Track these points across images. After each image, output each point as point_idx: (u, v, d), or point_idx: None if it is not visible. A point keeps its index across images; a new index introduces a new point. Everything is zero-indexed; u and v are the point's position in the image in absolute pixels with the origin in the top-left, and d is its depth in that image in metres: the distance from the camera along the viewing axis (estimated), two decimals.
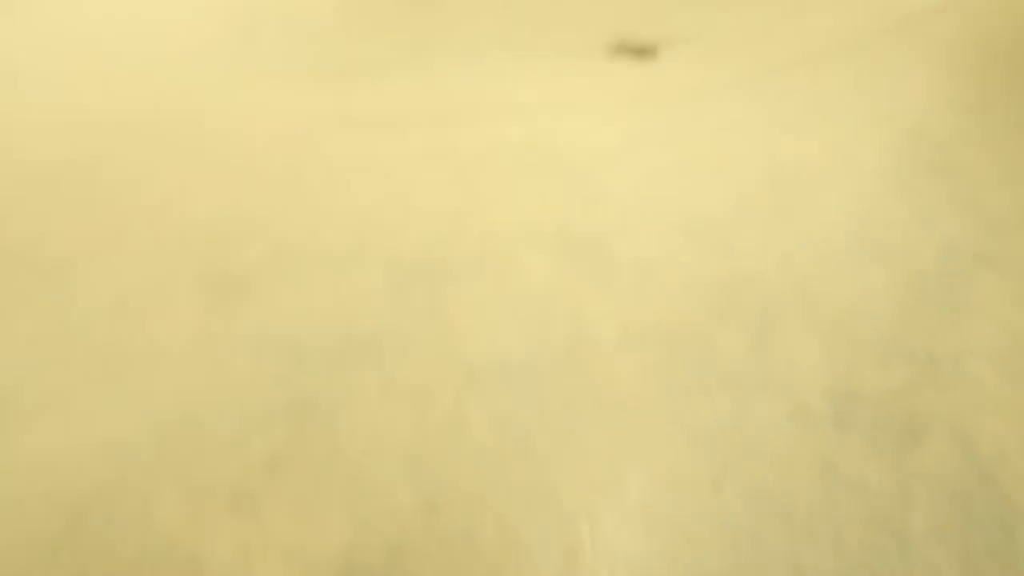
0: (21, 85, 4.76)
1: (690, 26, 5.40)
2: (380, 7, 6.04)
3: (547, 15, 5.72)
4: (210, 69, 4.86)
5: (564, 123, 4.03)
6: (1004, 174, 3.39)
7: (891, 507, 1.91)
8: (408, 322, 2.62)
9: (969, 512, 1.89)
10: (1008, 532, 1.84)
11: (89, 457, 2.10)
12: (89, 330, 2.61)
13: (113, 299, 2.77)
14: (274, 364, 2.44)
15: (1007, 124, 3.83)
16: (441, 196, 3.36)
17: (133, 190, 3.48)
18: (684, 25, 5.42)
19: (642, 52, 4.96)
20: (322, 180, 3.53)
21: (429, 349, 2.49)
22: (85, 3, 6.34)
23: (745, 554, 1.81)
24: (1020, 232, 3.01)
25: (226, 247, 3.04)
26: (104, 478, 2.04)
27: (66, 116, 4.29)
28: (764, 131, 3.86)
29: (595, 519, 1.91)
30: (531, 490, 1.99)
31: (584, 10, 5.79)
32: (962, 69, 4.52)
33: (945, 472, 2.00)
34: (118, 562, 1.82)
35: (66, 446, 2.14)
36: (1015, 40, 4.94)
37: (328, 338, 2.55)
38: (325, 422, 2.21)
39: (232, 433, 2.17)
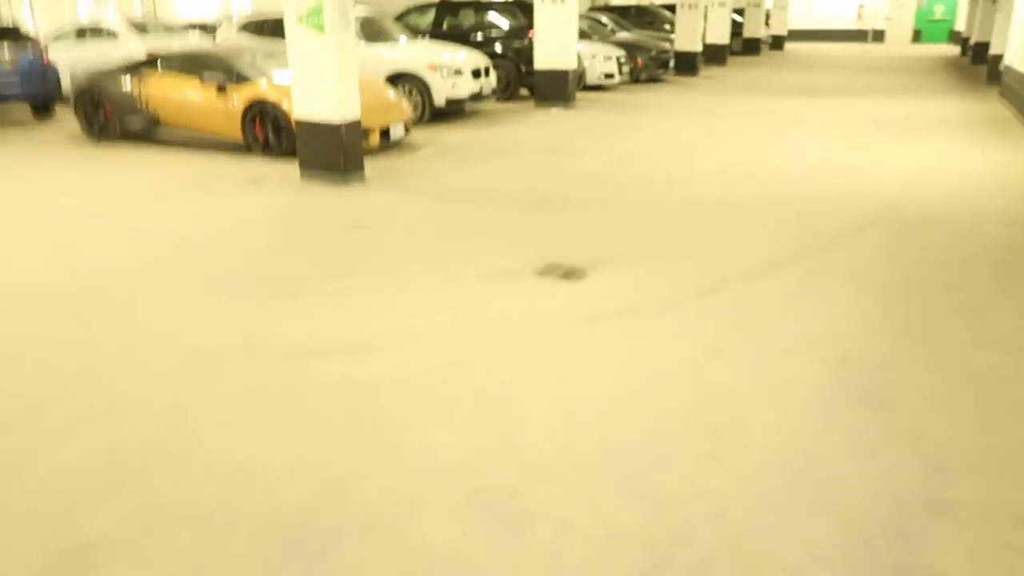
0: None
1: (620, 247, 5.42)
2: (312, 230, 6.01)
3: (479, 238, 5.72)
4: (122, 293, 4.63)
5: (484, 348, 3.81)
6: (941, 406, 3.20)
7: None
8: None
9: None
10: None
11: None
12: None
13: None
14: None
15: (937, 350, 3.72)
16: (338, 441, 3.02)
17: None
18: (614, 246, 5.44)
19: (570, 274, 4.90)
20: (208, 421, 3.18)
21: None
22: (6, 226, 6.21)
23: None
24: (970, 474, 2.75)
25: (77, 510, 2.61)
26: None
27: None
28: (691, 357, 3.68)
29: None
30: None
31: (517, 233, 5.82)
32: (887, 288, 4.51)
33: None
34: None
35: None
36: (937, 258, 5.02)
37: None
38: None
39: None
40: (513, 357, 3.73)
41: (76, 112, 9.57)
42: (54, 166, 8.48)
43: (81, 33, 13.61)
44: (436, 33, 12.96)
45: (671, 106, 12.57)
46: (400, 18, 13.45)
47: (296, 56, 6.99)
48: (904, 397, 3.26)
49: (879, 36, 30.60)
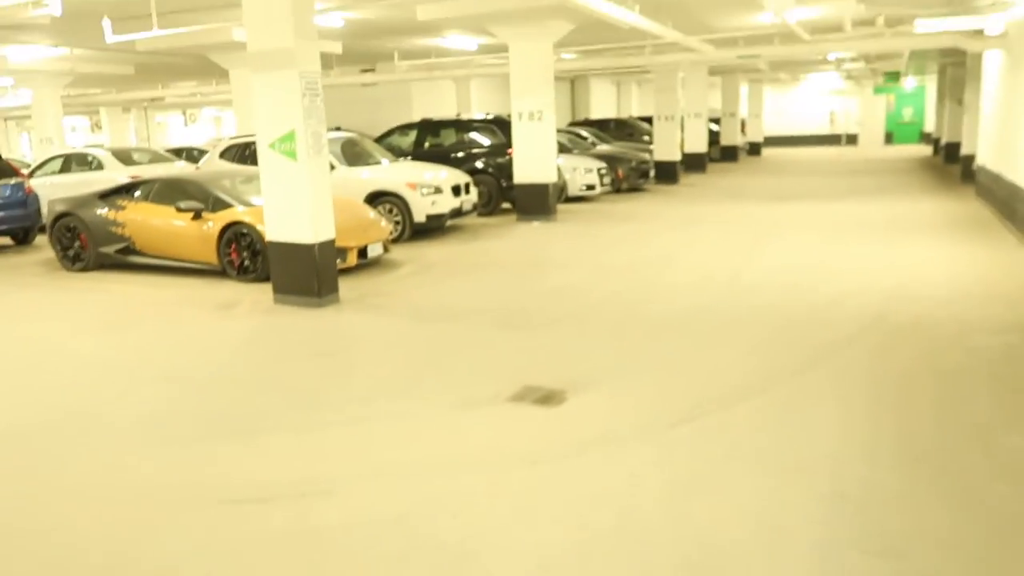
0: None
1: (599, 367, 5.18)
2: (279, 358, 5.77)
3: (453, 361, 5.49)
4: (71, 431, 4.33)
5: (450, 489, 3.50)
6: (957, 551, 2.88)
7: None
8: None
9: None
10: None
11: None
12: None
13: None
14: None
15: (944, 481, 3.42)
16: None
17: None
18: (593, 366, 5.20)
19: (548, 399, 4.64)
20: None
21: None
22: None
23: None
24: None
25: None
26: None
27: None
28: (671, 493, 3.37)
29: None
30: None
31: (493, 354, 5.59)
32: (882, 409, 4.25)
33: None
34: None
35: None
36: (931, 373, 4.78)
37: None
38: None
39: None
40: (480, 500, 3.42)
41: (51, 240, 9.50)
42: (22, 295, 8.32)
43: (67, 162, 13.77)
44: (418, 152, 13.16)
45: (652, 215, 12.64)
46: (382, 139, 13.70)
47: (269, 181, 6.95)
48: (913, 541, 2.93)
49: (852, 139, 31.55)
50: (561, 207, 13.09)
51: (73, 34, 11.42)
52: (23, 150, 34.21)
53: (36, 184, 12.68)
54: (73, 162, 13.74)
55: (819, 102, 32.03)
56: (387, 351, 5.79)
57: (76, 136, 35.77)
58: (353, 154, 11.13)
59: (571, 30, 11.33)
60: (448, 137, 13.58)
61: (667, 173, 17.62)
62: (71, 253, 9.34)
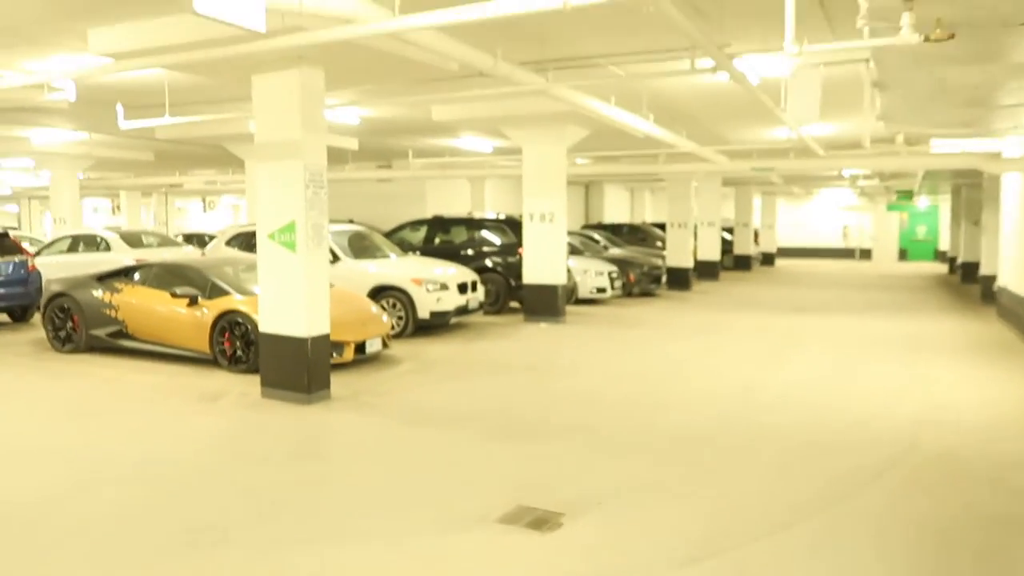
0: None
1: (603, 486, 4.72)
2: (253, 459, 5.34)
3: (442, 473, 5.04)
4: (12, 531, 3.90)
5: None
6: None
7: None
8: None
9: None
10: None
11: None
12: None
13: None
14: None
15: None
16: None
17: None
18: (596, 485, 4.74)
19: (542, 523, 4.17)
20: None
21: None
22: None
23: None
24: None
25: None
26: None
27: None
28: None
29: None
30: None
31: (488, 466, 5.14)
32: (922, 559, 3.76)
33: None
34: None
35: None
36: (972, 518, 4.29)
37: None
38: None
39: None
40: None
41: (43, 320, 9.25)
42: (2, 376, 7.98)
43: (75, 242, 13.73)
44: (428, 248, 13.03)
45: (663, 322, 12.30)
46: (393, 233, 13.62)
47: (266, 271, 6.72)
48: None
49: (866, 254, 31.48)
50: (570, 309, 12.80)
51: (91, 119, 11.55)
52: (45, 228, 34.73)
53: (43, 263, 12.58)
54: (81, 243, 13.71)
55: (832, 216, 32.18)
56: (372, 457, 5.36)
57: (97, 217, 36.34)
58: (360, 247, 10.98)
59: (585, 136, 11.36)
60: (459, 234, 13.48)
61: (679, 279, 17.42)
62: (62, 334, 9.06)
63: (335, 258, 10.35)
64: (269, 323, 6.76)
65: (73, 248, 13.62)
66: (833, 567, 3.62)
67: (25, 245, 15.32)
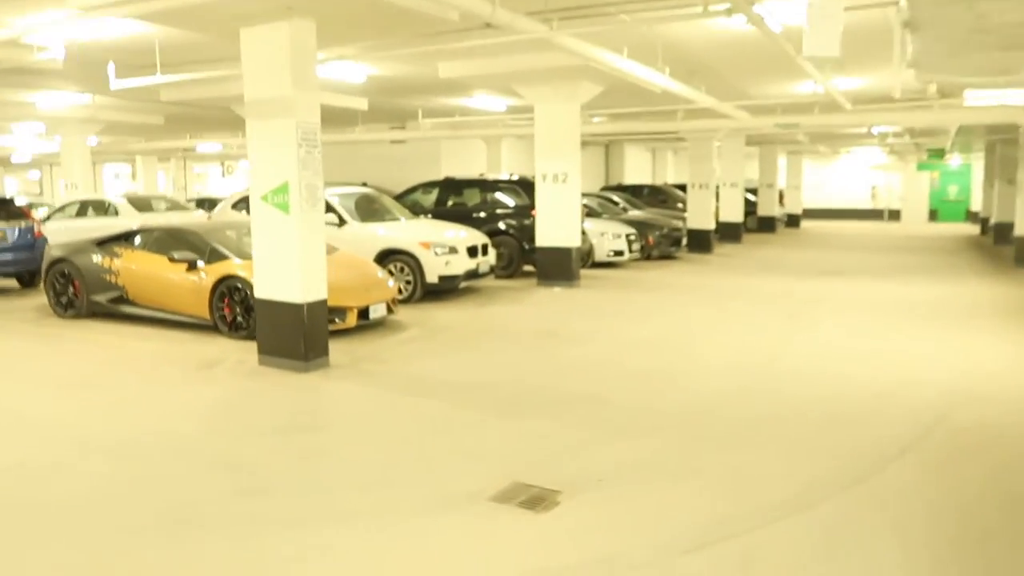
0: None
1: (607, 462, 4.44)
2: (243, 431, 5.11)
3: (438, 446, 4.79)
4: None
5: None
6: None
7: None
8: None
9: None
10: None
11: None
12: None
13: None
14: None
15: None
16: None
17: None
18: (600, 461, 4.46)
19: (537, 501, 3.90)
20: None
21: None
22: None
23: None
24: None
25: None
26: None
27: None
28: None
29: None
30: None
31: (487, 439, 4.88)
32: (951, 546, 3.44)
33: None
34: None
35: None
36: (1008, 499, 3.95)
37: None
38: None
39: None
40: None
41: (44, 285, 9.10)
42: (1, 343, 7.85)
43: (84, 207, 13.58)
44: (439, 211, 12.69)
45: (682, 285, 11.92)
46: (404, 196, 13.29)
47: (260, 234, 6.45)
48: None
49: (895, 215, 30.62)
50: (586, 272, 12.46)
51: (88, 81, 11.26)
52: (62, 194, 34.89)
53: (52, 228, 12.45)
54: (90, 207, 13.56)
55: (860, 176, 31.27)
56: (367, 430, 5.11)
57: (118, 183, 36.37)
58: (368, 210, 10.68)
59: (599, 93, 10.88)
60: (471, 197, 13.12)
61: (700, 242, 16.96)
62: (64, 300, 8.91)
63: (341, 221, 10.07)
64: (264, 289, 6.51)
65: (82, 213, 13.48)
66: (849, 556, 3.31)
67: (42, 211, 15.28)
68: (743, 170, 19.71)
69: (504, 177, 13.52)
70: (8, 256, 10.89)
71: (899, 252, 17.42)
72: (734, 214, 19.49)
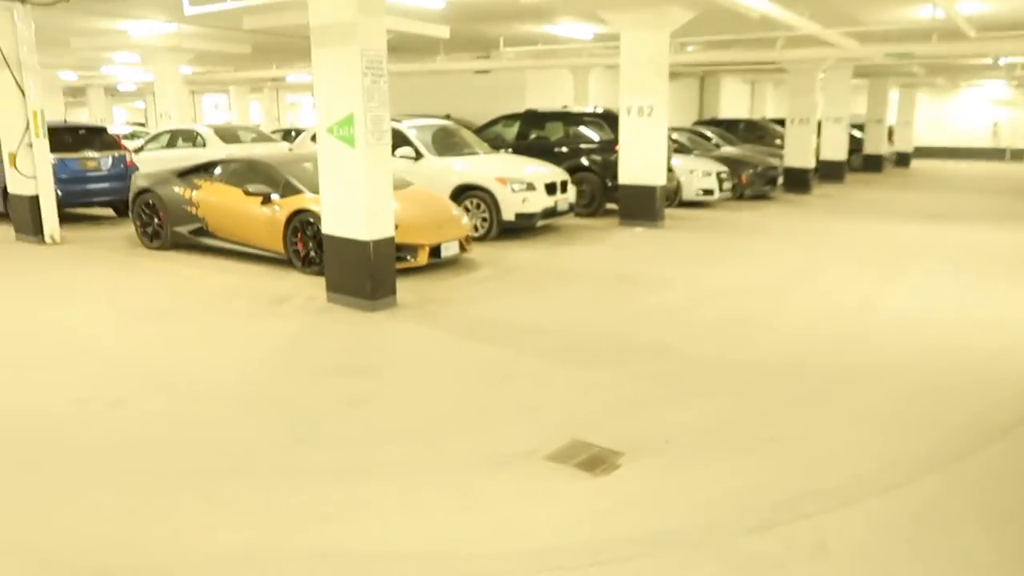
0: None
1: (674, 422, 4.14)
2: (301, 372, 5.04)
3: (497, 396, 4.59)
4: (34, 444, 3.77)
5: None
6: None
7: None
8: None
9: None
10: None
11: None
12: None
13: None
14: None
15: None
16: None
17: None
18: (666, 420, 4.16)
19: (595, 463, 3.65)
20: None
21: None
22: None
23: None
24: None
25: None
26: None
27: None
28: None
29: None
30: None
31: (549, 390, 4.64)
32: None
33: None
34: None
35: None
36: None
37: None
38: None
39: None
40: None
41: (132, 216, 9.31)
42: (83, 271, 8.10)
43: (174, 138, 13.85)
44: (520, 145, 12.29)
45: (775, 228, 11.22)
46: (484, 129, 12.93)
47: (326, 168, 6.29)
48: None
49: (1018, 155, 28.13)
50: (674, 212, 11.91)
51: (173, 10, 11.26)
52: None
53: (144, 158, 12.78)
54: (180, 138, 13.81)
55: (981, 112, 28.75)
56: (426, 375, 4.95)
57: (217, 113, 37.34)
58: (446, 144, 10.41)
59: (691, 19, 10.12)
60: (553, 130, 12.64)
61: (798, 181, 15.97)
62: (149, 230, 9.10)
63: (418, 155, 9.85)
64: (331, 224, 6.38)
65: (172, 143, 13.76)
66: (937, 548, 2.93)
67: (140, 142, 15.72)
68: (848, 104, 18.32)
69: (588, 110, 12.93)
70: (103, 185, 11.23)
71: (1020, 196, 15.93)
72: (837, 152, 18.25)
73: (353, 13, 5.71)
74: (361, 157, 5.97)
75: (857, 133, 21.42)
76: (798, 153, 16.19)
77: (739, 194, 14.12)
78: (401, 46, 15.53)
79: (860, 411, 4.30)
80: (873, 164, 21.73)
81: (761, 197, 14.67)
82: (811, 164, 16.39)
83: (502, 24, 13.50)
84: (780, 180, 15.24)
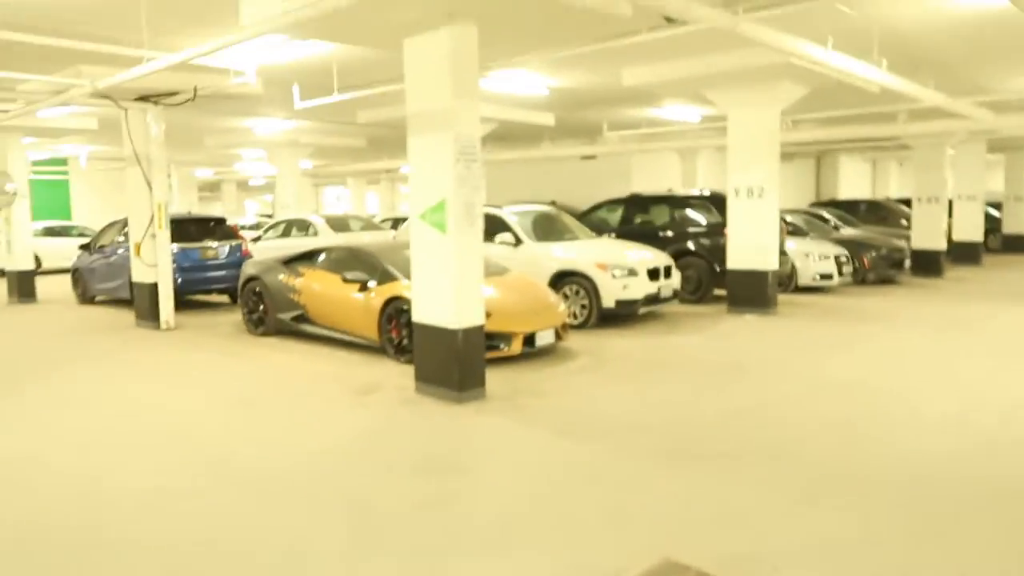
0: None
1: (781, 544, 3.57)
2: (377, 469, 4.77)
3: (580, 502, 4.15)
4: (86, 533, 3.64)
5: None
6: None
7: None
8: None
9: None
10: None
11: None
12: None
13: None
14: None
15: None
16: None
17: None
18: (776, 542, 3.60)
19: None
20: None
21: None
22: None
23: None
24: None
25: None
26: None
27: None
28: None
29: None
30: None
31: (641, 497, 4.17)
32: None
33: None
34: None
35: None
36: None
37: None
38: None
39: None
40: None
41: (240, 302, 9.58)
42: (186, 356, 8.28)
43: (288, 227, 14.44)
44: (624, 230, 12.01)
45: (902, 316, 10.30)
46: (588, 214, 12.76)
47: (417, 255, 6.18)
48: None
49: None
50: (788, 298, 11.20)
51: (289, 107, 11.90)
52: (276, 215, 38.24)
53: (260, 247, 13.34)
54: (294, 227, 14.39)
55: None
56: (507, 475, 4.58)
57: (338, 205, 39.34)
58: (546, 229, 10.25)
59: (803, 95, 9.69)
60: (659, 214, 12.30)
61: (928, 264, 14.84)
62: (255, 317, 9.31)
63: (517, 241, 9.73)
64: (421, 312, 6.23)
65: (287, 233, 14.35)
66: None
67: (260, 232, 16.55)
68: (984, 181, 17.08)
69: (694, 192, 12.56)
70: (220, 273, 11.73)
71: None
72: (971, 232, 16.95)
73: (448, 98, 5.68)
74: (452, 243, 5.83)
75: (994, 212, 19.91)
76: (927, 234, 15.11)
77: (861, 279, 13.21)
78: (508, 134, 15.82)
79: (1011, 540, 3.57)
80: (1013, 245, 20.05)
81: (887, 281, 13.67)
82: (942, 245, 15.23)
83: (606, 109, 13.49)
84: (908, 263, 14.20)
